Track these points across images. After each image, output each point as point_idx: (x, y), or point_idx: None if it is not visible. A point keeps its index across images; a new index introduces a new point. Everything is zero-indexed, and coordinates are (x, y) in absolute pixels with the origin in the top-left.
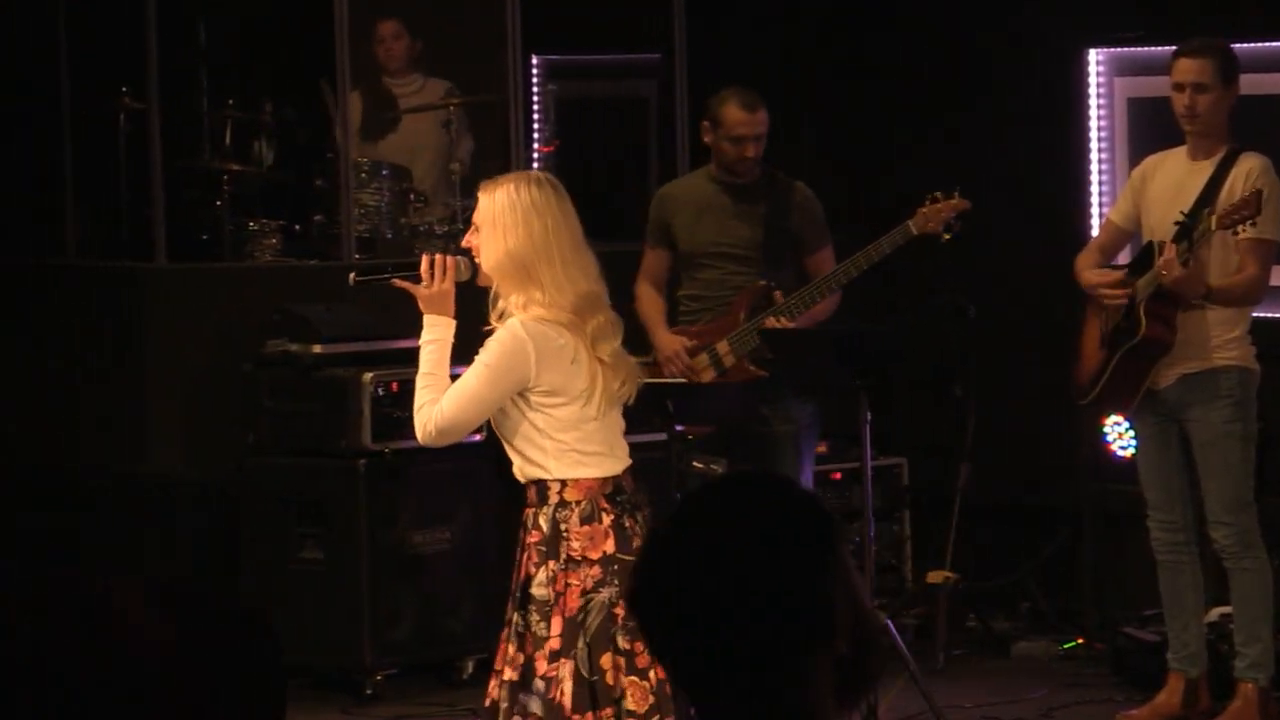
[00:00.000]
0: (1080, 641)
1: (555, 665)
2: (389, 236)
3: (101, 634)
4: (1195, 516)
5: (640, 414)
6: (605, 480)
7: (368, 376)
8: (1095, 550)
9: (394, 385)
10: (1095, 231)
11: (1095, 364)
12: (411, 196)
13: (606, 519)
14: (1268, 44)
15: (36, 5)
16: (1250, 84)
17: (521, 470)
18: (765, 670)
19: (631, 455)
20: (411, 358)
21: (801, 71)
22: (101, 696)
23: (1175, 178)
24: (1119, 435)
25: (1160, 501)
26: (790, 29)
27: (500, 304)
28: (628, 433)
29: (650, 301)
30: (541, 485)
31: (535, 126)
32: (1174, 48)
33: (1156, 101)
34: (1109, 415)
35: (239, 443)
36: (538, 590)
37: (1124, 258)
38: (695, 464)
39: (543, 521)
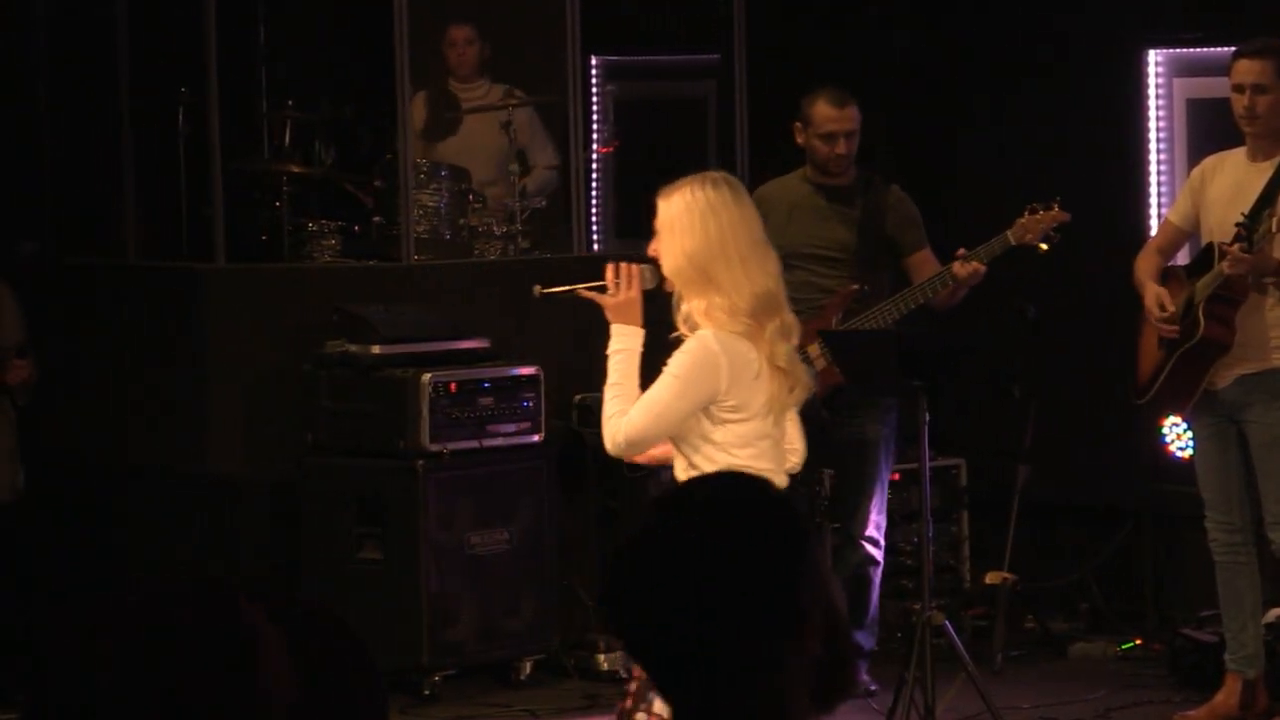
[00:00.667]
0: (1138, 642)
1: None
2: (447, 237)
3: (239, 665)
4: (1253, 517)
5: None
6: None
7: (426, 377)
8: (1153, 551)
9: (452, 386)
10: (1154, 232)
11: (1153, 364)
12: (470, 197)
13: None
14: None
15: (97, 5)
16: None
17: (687, 474)
18: (735, 668)
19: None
20: (469, 359)
21: (857, 73)
22: None
23: (1235, 179)
24: (1177, 436)
25: (1218, 502)
26: (849, 29)
27: (684, 308)
28: None
29: None
30: None
31: (594, 127)
32: (1233, 49)
33: (1216, 102)
34: (1167, 416)
35: (299, 443)
36: None
37: (1182, 258)
38: None
39: None
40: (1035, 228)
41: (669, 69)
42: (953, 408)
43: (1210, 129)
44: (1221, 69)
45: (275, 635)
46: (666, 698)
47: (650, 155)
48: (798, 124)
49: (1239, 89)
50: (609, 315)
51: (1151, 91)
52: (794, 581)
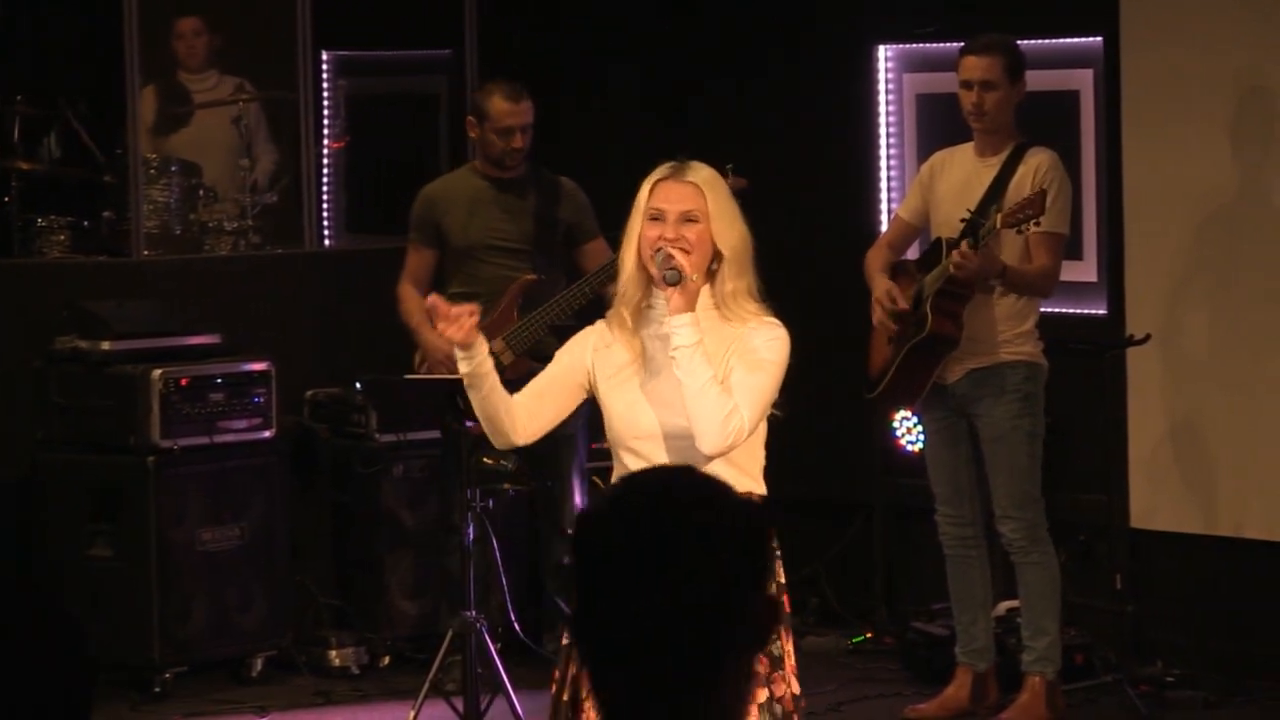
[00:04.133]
0: (869, 636)
1: None
2: (178, 232)
3: None
4: (983, 511)
5: (431, 412)
6: None
7: (157, 373)
8: (884, 545)
9: (183, 381)
10: (884, 227)
11: (884, 358)
12: (201, 192)
13: None
14: (1053, 40)
15: None
16: (1036, 80)
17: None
18: (699, 670)
19: (419, 453)
20: (200, 354)
21: (590, 69)
22: None
23: (963, 174)
24: (908, 430)
25: (949, 496)
26: (579, 26)
27: (723, 290)
28: (418, 430)
29: (415, 303)
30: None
31: (325, 122)
32: (961, 45)
33: (945, 98)
34: (897, 409)
35: (30, 440)
36: None
37: (913, 253)
38: (485, 460)
39: None
40: None
41: (400, 64)
42: None
43: (940, 124)
44: (951, 65)
45: None
46: (601, 697)
47: (382, 151)
48: (471, 119)
49: (967, 85)
50: (685, 304)
51: (882, 87)
52: (766, 578)
